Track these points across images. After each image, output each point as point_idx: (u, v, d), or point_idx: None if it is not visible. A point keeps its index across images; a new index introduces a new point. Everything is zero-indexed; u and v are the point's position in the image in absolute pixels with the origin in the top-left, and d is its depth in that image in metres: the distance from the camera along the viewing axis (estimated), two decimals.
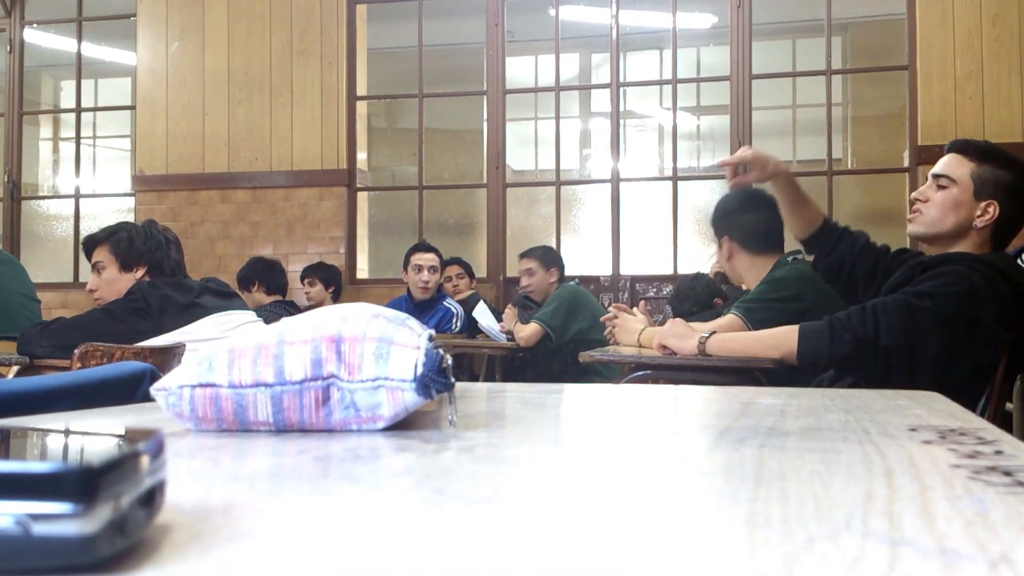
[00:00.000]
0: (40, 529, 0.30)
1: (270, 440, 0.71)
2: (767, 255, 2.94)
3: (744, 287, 3.26)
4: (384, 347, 0.74)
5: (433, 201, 7.53)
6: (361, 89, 6.73)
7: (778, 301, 2.78)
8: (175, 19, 6.76)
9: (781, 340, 2.28)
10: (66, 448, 0.34)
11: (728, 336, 2.47)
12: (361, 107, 6.76)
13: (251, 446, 0.68)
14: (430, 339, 0.79)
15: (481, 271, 6.43)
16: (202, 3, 6.71)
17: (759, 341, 2.35)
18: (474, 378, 5.24)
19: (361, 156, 6.74)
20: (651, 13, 7.47)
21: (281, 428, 0.75)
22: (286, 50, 6.60)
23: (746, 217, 2.94)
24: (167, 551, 0.36)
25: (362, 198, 6.75)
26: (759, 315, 2.72)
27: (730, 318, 2.79)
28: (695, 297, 4.30)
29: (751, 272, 3.00)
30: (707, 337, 2.45)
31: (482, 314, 4.99)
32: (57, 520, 0.30)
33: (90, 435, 0.37)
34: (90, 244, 3.02)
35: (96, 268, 2.99)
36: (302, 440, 0.70)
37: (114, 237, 2.98)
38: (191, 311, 2.78)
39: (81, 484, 0.31)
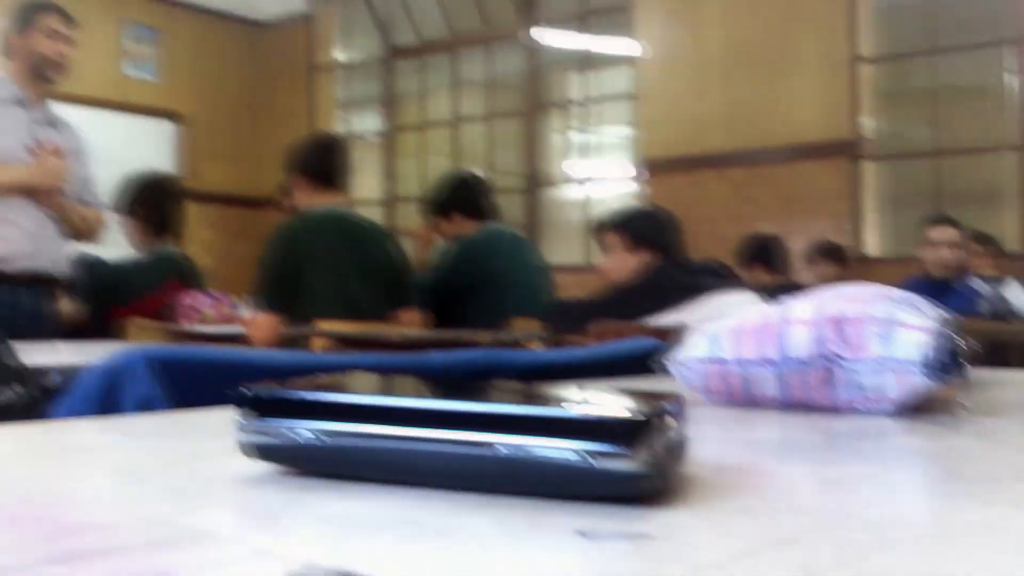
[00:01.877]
0: (599, 464, 0.38)
1: (776, 414, 0.75)
2: None
3: None
4: (889, 328, 0.74)
5: (951, 169, 6.95)
6: (865, 51, 6.43)
7: None
8: (672, 4, 7.00)
9: None
10: (615, 403, 0.42)
11: None
12: (866, 70, 6.46)
13: (758, 418, 0.73)
14: (944, 322, 0.77)
15: (1014, 245, 5.82)
16: None
17: None
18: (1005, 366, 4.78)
19: (868, 124, 6.45)
20: None
21: (787, 404, 0.78)
22: (784, 19, 6.51)
23: None
24: (693, 494, 0.42)
25: (868, 169, 6.46)
26: None
27: None
28: None
29: None
30: None
31: (1016, 294, 4.51)
32: (611, 458, 0.38)
33: (630, 395, 0.44)
34: (601, 228, 3.30)
35: (606, 250, 3.25)
36: (807, 416, 0.73)
37: (622, 221, 3.22)
38: (692, 291, 2.91)
39: (629, 431, 0.38)
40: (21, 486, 0.42)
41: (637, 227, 3.18)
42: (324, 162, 3.39)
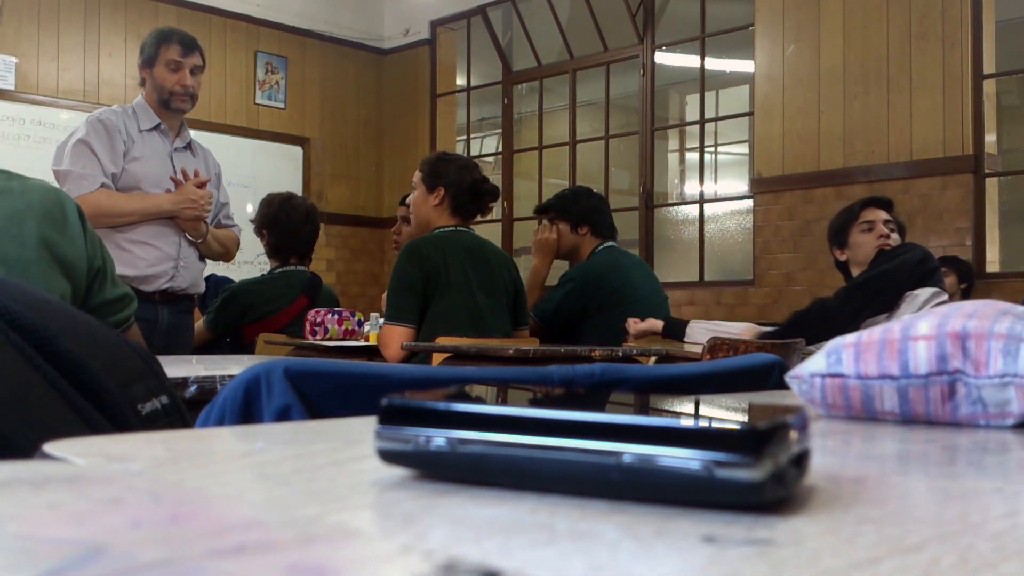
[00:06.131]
0: (720, 473, 0.39)
1: (897, 428, 0.74)
2: None
3: None
4: (1013, 344, 0.73)
5: None
6: (988, 67, 6.23)
7: None
8: (791, 23, 6.91)
9: None
10: (736, 414, 0.44)
11: None
12: (988, 85, 6.26)
13: (878, 432, 0.72)
14: None
15: None
16: (817, 2, 6.77)
17: None
18: None
19: (989, 139, 6.24)
20: None
21: (907, 419, 0.78)
22: (904, 36, 6.37)
23: None
24: (814, 503, 0.43)
25: (991, 184, 6.25)
26: None
27: None
28: None
29: None
30: None
31: None
32: (733, 467, 0.39)
33: (753, 406, 0.46)
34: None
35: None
36: (928, 431, 0.73)
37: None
38: None
39: (751, 441, 0.39)
40: (176, 488, 0.45)
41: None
42: (477, 192, 3.46)
